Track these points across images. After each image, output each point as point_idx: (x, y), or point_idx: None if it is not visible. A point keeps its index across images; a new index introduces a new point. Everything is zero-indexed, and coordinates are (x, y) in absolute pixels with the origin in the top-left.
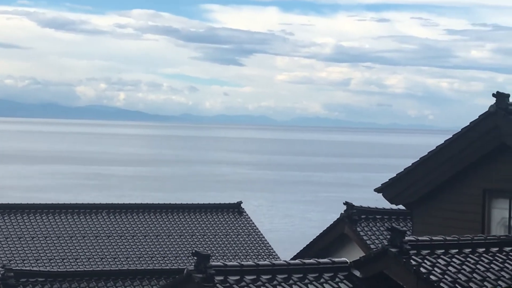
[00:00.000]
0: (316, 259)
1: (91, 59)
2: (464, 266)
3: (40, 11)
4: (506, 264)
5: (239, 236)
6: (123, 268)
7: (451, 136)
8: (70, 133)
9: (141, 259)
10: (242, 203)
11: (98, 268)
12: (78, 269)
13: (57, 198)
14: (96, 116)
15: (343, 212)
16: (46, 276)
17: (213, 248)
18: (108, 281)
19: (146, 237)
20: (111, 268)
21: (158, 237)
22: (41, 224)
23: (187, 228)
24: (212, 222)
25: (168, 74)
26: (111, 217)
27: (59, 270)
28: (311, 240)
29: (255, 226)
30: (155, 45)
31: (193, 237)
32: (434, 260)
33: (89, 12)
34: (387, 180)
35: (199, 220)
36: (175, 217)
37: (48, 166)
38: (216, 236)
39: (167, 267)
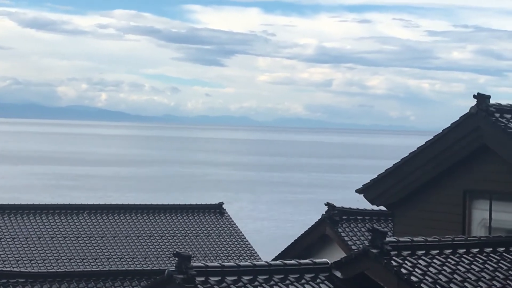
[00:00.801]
0: (297, 260)
1: (73, 59)
2: (444, 267)
3: (21, 11)
4: (486, 265)
5: (220, 237)
6: (104, 269)
7: (432, 137)
8: (51, 133)
9: (122, 259)
10: (223, 203)
11: (79, 269)
12: (59, 270)
13: (37, 199)
14: (77, 116)
15: (324, 213)
16: (26, 277)
17: (194, 249)
18: (89, 282)
19: (128, 238)
20: (92, 269)
21: (140, 237)
22: (22, 225)
23: (169, 229)
24: (193, 223)
25: (150, 74)
26: (92, 218)
27: (40, 271)
28: (293, 241)
29: (237, 226)
30: (136, 45)
31: (175, 237)
32: (415, 261)
33: (71, 12)
34: (368, 181)
35: (180, 220)
36: (156, 217)
37: (29, 167)
38: (198, 237)
39: (148, 268)
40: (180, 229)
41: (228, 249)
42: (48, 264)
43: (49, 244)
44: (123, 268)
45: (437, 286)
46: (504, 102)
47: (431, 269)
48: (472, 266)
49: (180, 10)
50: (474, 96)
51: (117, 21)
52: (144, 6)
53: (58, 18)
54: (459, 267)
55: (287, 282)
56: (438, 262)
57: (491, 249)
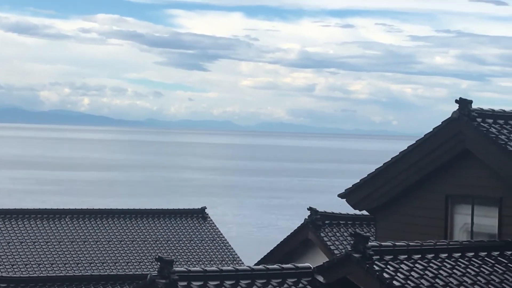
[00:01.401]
0: (279, 265)
1: (55, 64)
2: (427, 272)
3: (3, 15)
4: (468, 270)
5: (203, 242)
6: (86, 273)
7: (414, 142)
8: (34, 138)
9: (104, 264)
10: (206, 208)
11: (61, 274)
12: (41, 275)
13: (20, 203)
14: (60, 121)
15: (307, 217)
16: (8, 282)
17: (176, 254)
18: (71, 287)
19: (110, 243)
20: (74, 274)
21: (122, 242)
22: (4, 230)
23: (151, 234)
24: (176, 228)
25: (133, 79)
26: (74, 223)
27: (21, 276)
28: (275, 245)
29: (219, 231)
30: (119, 50)
31: (157, 242)
32: (397, 266)
33: (53, 16)
34: (351, 185)
35: (163, 225)
36: (139, 222)
37: (11, 171)
38: (180, 242)
39: (131, 273)
40: (163, 233)
41: (211, 253)
42: (31, 269)
43: (31, 248)
44: (106, 273)
45: None
46: (486, 107)
47: (413, 273)
48: (454, 270)
49: (163, 15)
50: (456, 101)
51: (100, 25)
52: (127, 10)
53: (41, 22)
54: (441, 271)
55: (270, 286)
56: (420, 267)
57: (473, 253)
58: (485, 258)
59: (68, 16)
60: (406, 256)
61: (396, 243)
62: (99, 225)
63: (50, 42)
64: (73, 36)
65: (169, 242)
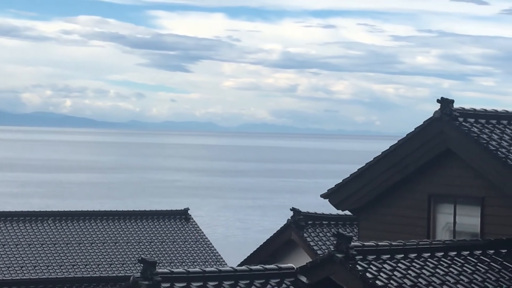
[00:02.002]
0: (262, 265)
1: (37, 66)
2: (409, 271)
3: None
4: (451, 269)
5: (186, 243)
6: (69, 276)
7: (396, 141)
8: (16, 140)
9: (87, 266)
10: (189, 209)
11: (44, 276)
12: (24, 277)
13: (3, 206)
14: (42, 123)
15: (290, 218)
16: None
17: (160, 255)
18: None
19: (93, 244)
20: (57, 276)
21: (105, 244)
22: None
23: (134, 235)
24: (159, 229)
25: (115, 80)
26: (57, 225)
27: (4, 278)
28: (258, 246)
29: (202, 232)
30: (101, 51)
31: (140, 244)
32: (380, 265)
33: (34, 18)
34: (333, 186)
35: (146, 227)
36: (122, 224)
37: None
38: (163, 243)
39: (114, 275)
40: (146, 235)
41: (194, 255)
42: (13, 272)
43: (13, 251)
44: (89, 275)
45: None
46: (468, 106)
47: (396, 273)
48: (437, 270)
49: (144, 16)
50: (438, 101)
51: (82, 27)
52: (108, 12)
53: (22, 24)
54: (424, 271)
55: (253, 287)
56: (403, 266)
57: (455, 252)
58: (468, 257)
59: (49, 18)
60: (389, 255)
61: (379, 243)
62: (82, 227)
63: (32, 44)
64: (54, 38)
65: (152, 243)
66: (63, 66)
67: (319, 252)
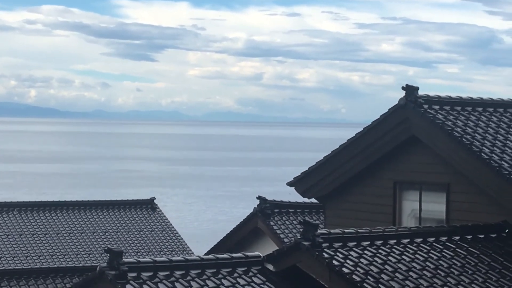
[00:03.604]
0: (229, 254)
1: (0, 56)
2: (376, 258)
3: None
4: (417, 255)
5: (152, 232)
6: (35, 266)
7: (362, 129)
8: None
9: (53, 257)
10: (155, 199)
11: (10, 267)
12: None
13: None
14: (6, 113)
15: (256, 206)
16: None
17: (126, 245)
18: (20, 280)
19: (59, 235)
20: (23, 267)
21: (71, 234)
22: None
23: (100, 225)
24: (125, 219)
25: (80, 70)
26: (22, 215)
27: None
28: (225, 235)
29: (169, 222)
30: (65, 41)
31: (106, 234)
32: (346, 253)
33: None
34: (299, 174)
35: (112, 216)
36: (87, 214)
37: None
38: (129, 233)
39: (80, 265)
40: (112, 225)
41: (160, 244)
42: None
43: None
44: (55, 266)
45: (368, 277)
46: (432, 93)
47: (362, 260)
48: (403, 256)
49: (109, 5)
50: (403, 88)
51: (45, 16)
52: (72, 1)
53: None
54: (390, 257)
55: (220, 276)
56: (370, 253)
57: (421, 239)
58: (434, 243)
59: (12, 7)
60: (355, 243)
61: (345, 230)
62: (48, 218)
63: None
64: (18, 27)
65: (118, 233)
66: (27, 56)
67: (285, 240)
